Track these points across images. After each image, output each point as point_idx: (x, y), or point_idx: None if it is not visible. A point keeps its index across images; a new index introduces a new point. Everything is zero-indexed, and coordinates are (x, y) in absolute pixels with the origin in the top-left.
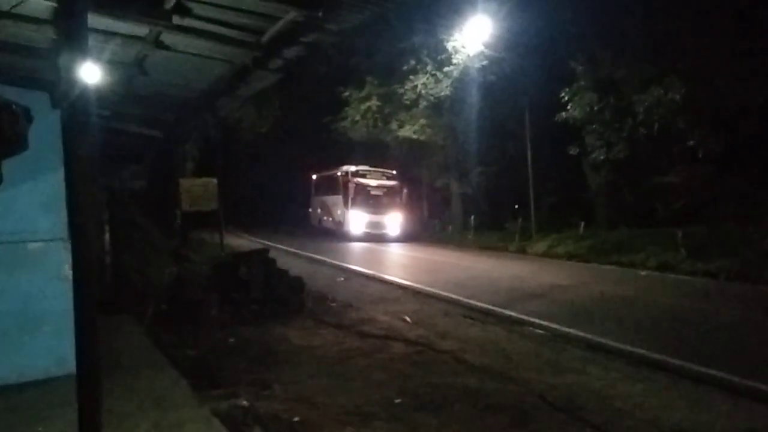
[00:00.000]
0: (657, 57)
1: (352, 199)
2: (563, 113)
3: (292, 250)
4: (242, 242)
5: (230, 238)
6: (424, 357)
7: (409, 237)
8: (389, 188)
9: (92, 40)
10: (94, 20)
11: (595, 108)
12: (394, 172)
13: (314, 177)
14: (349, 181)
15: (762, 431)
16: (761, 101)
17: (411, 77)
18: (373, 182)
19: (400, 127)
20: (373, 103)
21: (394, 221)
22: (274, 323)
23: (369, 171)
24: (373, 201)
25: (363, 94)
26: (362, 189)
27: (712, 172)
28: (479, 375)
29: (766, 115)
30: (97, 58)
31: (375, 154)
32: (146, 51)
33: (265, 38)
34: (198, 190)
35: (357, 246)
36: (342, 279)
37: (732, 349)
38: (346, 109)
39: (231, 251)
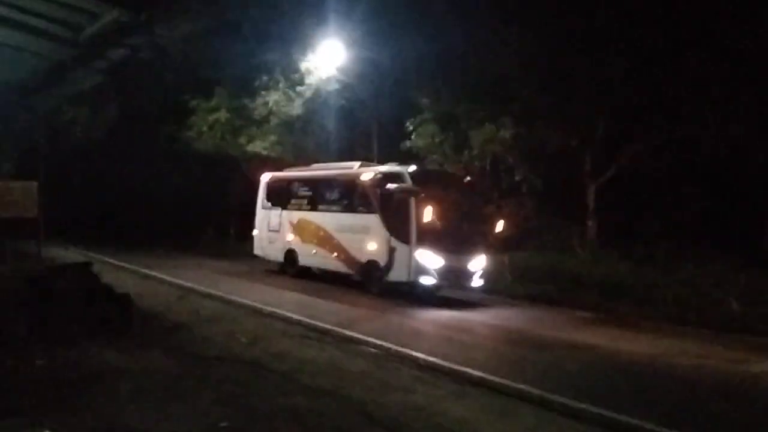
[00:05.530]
0: (492, 98)
1: (418, 226)
2: (408, 142)
3: None
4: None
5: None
6: (256, 378)
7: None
8: (477, 208)
9: None
10: None
11: (437, 140)
12: (469, 177)
13: (268, 180)
14: (407, 192)
15: None
16: (575, 144)
17: (263, 93)
18: (452, 196)
19: (250, 141)
20: (222, 114)
21: (479, 264)
22: (93, 344)
23: (440, 174)
24: (453, 231)
25: (212, 104)
26: (436, 209)
27: (534, 206)
28: (311, 395)
29: (578, 157)
30: None
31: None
32: None
33: (84, 36)
34: (15, 195)
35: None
36: (177, 297)
37: (543, 367)
38: (193, 118)
39: (49, 264)
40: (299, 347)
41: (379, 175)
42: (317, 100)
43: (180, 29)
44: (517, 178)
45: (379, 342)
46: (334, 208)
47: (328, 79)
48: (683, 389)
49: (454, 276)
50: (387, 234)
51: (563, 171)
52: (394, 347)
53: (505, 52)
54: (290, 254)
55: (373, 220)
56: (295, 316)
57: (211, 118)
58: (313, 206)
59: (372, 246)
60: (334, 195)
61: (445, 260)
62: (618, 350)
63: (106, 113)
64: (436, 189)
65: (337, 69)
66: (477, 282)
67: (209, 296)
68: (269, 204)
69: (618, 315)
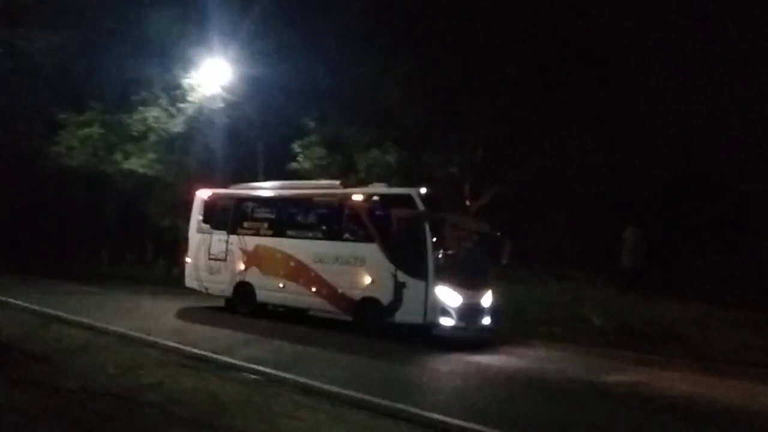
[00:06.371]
0: (377, 124)
1: (435, 258)
2: (294, 164)
3: None
4: None
5: None
6: (127, 411)
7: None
8: (485, 236)
9: None
10: None
11: (324, 162)
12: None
13: (207, 198)
14: (423, 218)
15: None
16: (454, 171)
17: (141, 108)
18: (464, 223)
19: (126, 158)
20: (95, 130)
21: (489, 299)
22: None
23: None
24: (468, 262)
25: (83, 118)
26: (454, 238)
27: None
28: (186, 427)
29: (459, 182)
30: None
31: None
32: None
33: None
34: None
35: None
36: (38, 325)
37: (418, 384)
38: (62, 132)
39: None
40: (175, 376)
41: (377, 198)
42: (200, 118)
43: (45, 42)
44: None
45: (258, 367)
46: (311, 234)
47: (213, 97)
48: (545, 398)
49: (470, 314)
50: (391, 267)
51: (445, 195)
52: (273, 372)
53: (389, 80)
54: (243, 288)
55: (370, 250)
56: (171, 344)
57: (83, 132)
58: (279, 231)
59: (369, 280)
60: (310, 219)
61: (463, 297)
62: (490, 365)
63: None
64: (449, 215)
65: (222, 87)
66: (487, 320)
67: (76, 324)
68: (208, 227)
69: (494, 332)
